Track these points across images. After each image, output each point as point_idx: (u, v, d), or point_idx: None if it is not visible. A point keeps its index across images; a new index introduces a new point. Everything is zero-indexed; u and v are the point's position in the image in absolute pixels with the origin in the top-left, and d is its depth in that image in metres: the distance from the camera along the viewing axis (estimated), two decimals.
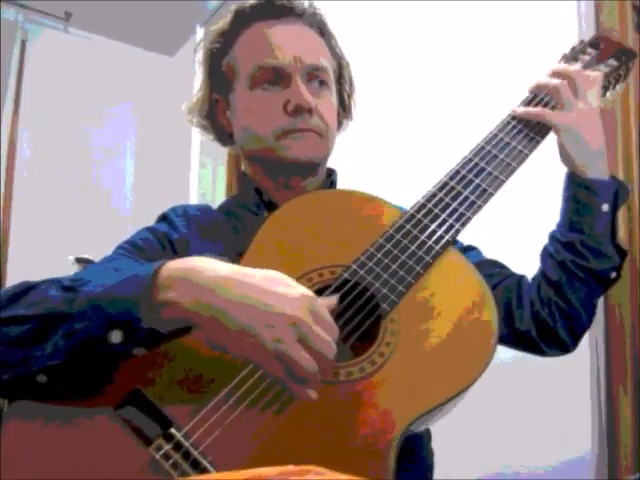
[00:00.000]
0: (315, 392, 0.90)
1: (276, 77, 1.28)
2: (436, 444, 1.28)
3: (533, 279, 1.32)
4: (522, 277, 1.34)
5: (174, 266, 0.94)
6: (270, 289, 0.90)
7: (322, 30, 1.37)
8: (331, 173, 1.42)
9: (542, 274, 1.28)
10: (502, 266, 1.39)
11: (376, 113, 2.51)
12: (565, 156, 1.27)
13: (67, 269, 2.49)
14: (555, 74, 1.31)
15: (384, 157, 2.65)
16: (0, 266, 3.78)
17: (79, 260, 2.69)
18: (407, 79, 2.64)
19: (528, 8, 2.24)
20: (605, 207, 1.24)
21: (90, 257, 2.65)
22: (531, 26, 2.24)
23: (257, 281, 0.91)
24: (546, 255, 1.29)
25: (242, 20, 1.34)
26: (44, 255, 3.54)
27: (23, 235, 3.95)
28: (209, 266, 0.94)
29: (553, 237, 1.29)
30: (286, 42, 1.30)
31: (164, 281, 0.92)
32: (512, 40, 2.29)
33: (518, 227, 2.06)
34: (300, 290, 0.92)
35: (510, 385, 1.78)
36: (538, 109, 1.26)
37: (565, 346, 1.29)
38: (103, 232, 4.02)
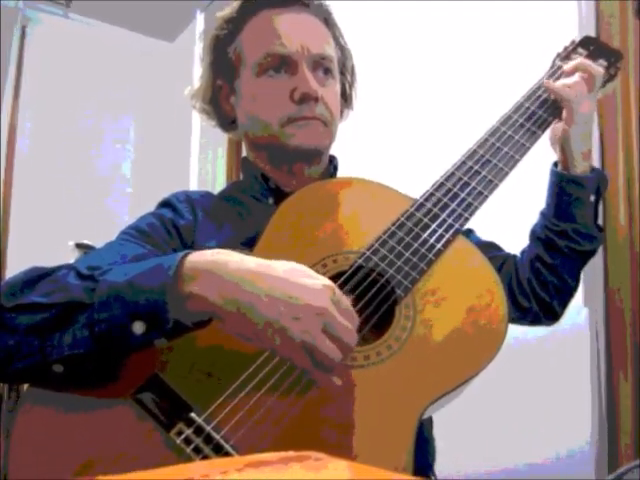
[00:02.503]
0: (339, 379, 0.92)
1: (282, 64, 1.29)
2: (435, 432, 1.29)
3: (523, 255, 1.42)
4: (515, 256, 1.44)
5: (197, 258, 0.94)
6: (294, 281, 0.91)
7: (327, 20, 1.38)
8: (332, 159, 1.43)
9: (536, 257, 1.38)
10: (499, 248, 1.48)
11: (377, 102, 2.50)
12: (567, 144, 1.33)
13: (67, 254, 2.50)
14: (576, 69, 1.35)
15: (384, 146, 2.64)
16: (0, 252, 3.78)
17: (79, 246, 2.69)
18: (408, 74, 2.64)
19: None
20: (592, 197, 1.35)
21: (90, 243, 2.65)
22: (530, 15, 2.23)
23: (280, 273, 0.92)
24: (539, 242, 1.38)
25: (249, 8, 1.35)
26: (44, 240, 3.55)
27: (23, 220, 3.95)
28: (232, 259, 0.94)
29: (544, 226, 1.37)
30: (293, 31, 1.30)
31: (188, 272, 0.92)
32: (511, 30, 2.29)
33: (503, 206, 2.06)
34: (322, 281, 0.93)
35: (509, 372, 1.78)
36: (568, 90, 1.31)
37: (558, 315, 1.43)
38: (103, 218, 4.02)
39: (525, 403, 1.98)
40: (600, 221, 1.40)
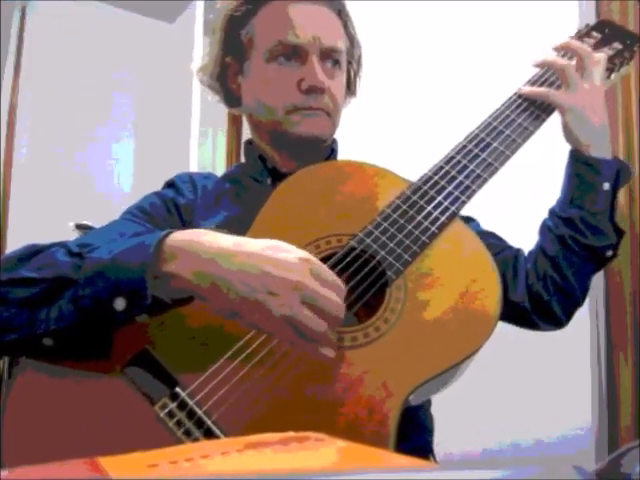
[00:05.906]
0: (331, 350, 0.92)
1: (293, 53, 1.30)
2: (438, 413, 1.29)
3: (530, 252, 1.35)
4: (519, 250, 1.37)
5: (177, 237, 0.96)
6: (268, 255, 0.92)
7: (340, 12, 1.38)
8: (332, 142, 1.43)
9: (540, 247, 1.31)
10: (499, 238, 1.41)
11: (378, 87, 2.50)
12: (569, 135, 1.29)
13: (67, 235, 2.49)
14: (564, 48, 1.33)
15: (385, 130, 2.64)
16: (0, 232, 3.77)
17: (79, 226, 2.69)
18: (409, 62, 2.64)
19: None
20: (606, 186, 1.26)
21: (90, 223, 2.64)
22: (531, 8, 2.23)
23: (256, 249, 0.93)
24: (545, 229, 1.32)
25: None
26: (44, 221, 3.54)
27: (23, 201, 3.94)
28: (210, 237, 0.95)
29: (553, 212, 1.31)
30: (307, 21, 1.31)
31: (167, 250, 0.94)
32: (510, 22, 2.29)
33: (516, 202, 2.06)
34: (299, 254, 0.93)
35: (509, 354, 1.79)
36: (543, 89, 1.29)
37: (558, 320, 1.32)
38: (103, 198, 4.02)
39: (525, 385, 1.99)
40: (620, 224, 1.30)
